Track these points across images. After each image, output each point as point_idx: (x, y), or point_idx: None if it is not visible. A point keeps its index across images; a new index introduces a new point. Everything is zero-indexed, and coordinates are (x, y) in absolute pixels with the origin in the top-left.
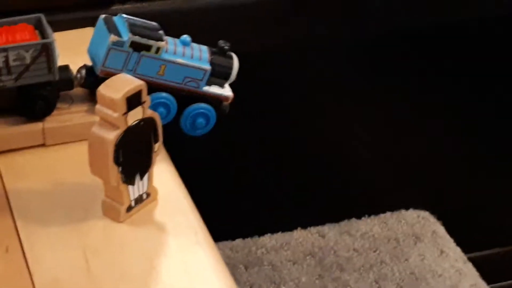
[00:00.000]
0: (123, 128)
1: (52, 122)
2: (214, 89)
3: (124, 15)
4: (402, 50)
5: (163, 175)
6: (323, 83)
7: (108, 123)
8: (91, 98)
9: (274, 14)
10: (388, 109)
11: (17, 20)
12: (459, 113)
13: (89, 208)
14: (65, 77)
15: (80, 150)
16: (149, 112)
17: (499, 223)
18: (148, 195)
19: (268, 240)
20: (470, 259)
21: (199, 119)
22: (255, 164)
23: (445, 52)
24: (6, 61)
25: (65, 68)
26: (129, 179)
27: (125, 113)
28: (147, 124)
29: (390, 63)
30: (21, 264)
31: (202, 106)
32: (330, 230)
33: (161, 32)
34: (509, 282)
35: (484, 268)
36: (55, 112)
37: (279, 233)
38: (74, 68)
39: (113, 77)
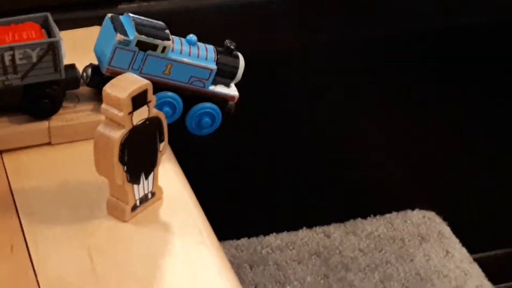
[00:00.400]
0: (128, 127)
1: (58, 121)
2: (220, 89)
3: (131, 14)
4: (406, 50)
5: (169, 174)
6: (328, 83)
7: (113, 122)
8: (97, 97)
9: (280, 14)
10: (395, 109)
11: (23, 18)
12: (467, 113)
13: (94, 207)
14: (71, 76)
15: (86, 149)
16: (155, 112)
17: (505, 223)
18: (153, 194)
19: (273, 239)
20: (475, 260)
21: (205, 118)
22: (260, 164)
23: (450, 53)
24: (13, 59)
25: (71, 67)
26: (134, 178)
27: (131, 113)
28: (152, 123)
29: (393, 63)
30: (26, 263)
31: (208, 105)
32: (335, 230)
33: (167, 31)
34: None
35: (489, 269)
36: (61, 111)
37: (284, 233)
38: (80, 67)
39: (119, 76)
